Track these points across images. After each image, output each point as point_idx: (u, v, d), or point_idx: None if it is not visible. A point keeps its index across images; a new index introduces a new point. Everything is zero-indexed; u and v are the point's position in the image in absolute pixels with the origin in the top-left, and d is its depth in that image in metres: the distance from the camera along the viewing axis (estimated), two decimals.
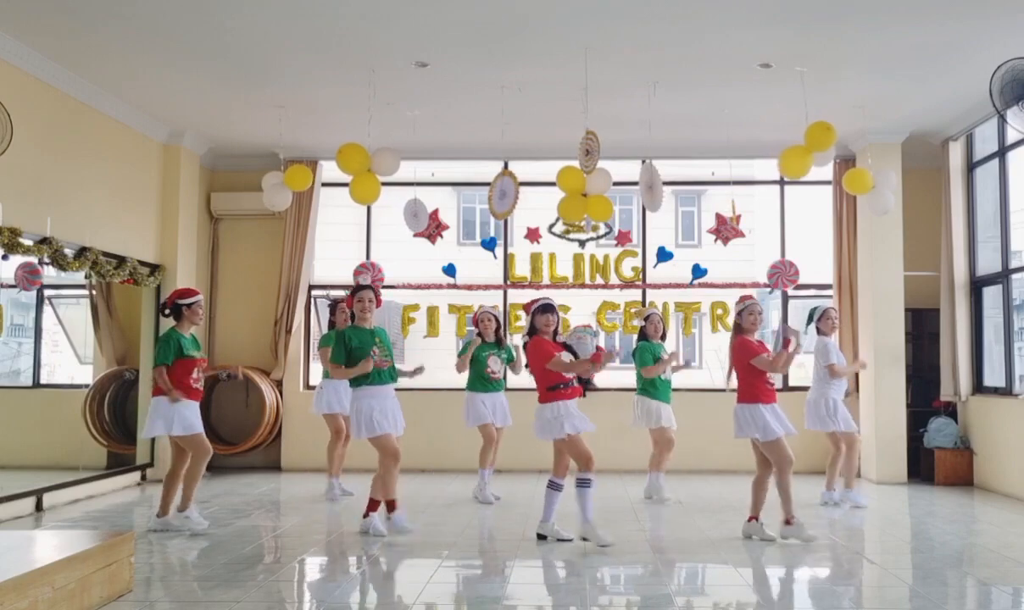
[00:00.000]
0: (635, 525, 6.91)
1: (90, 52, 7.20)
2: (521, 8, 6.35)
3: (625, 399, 8.46)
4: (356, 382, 6.35)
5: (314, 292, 10.54)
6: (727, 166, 9.22)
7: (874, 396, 9.36)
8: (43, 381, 8.57)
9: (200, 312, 6.68)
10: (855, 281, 9.88)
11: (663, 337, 8.06)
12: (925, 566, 5.69)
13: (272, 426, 10.07)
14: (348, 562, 5.87)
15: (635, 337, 8.48)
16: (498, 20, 6.54)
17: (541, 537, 6.20)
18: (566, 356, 6.16)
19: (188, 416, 6.44)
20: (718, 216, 9.14)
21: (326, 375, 8.03)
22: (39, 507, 7.38)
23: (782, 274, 9.50)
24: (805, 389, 10.52)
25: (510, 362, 8.05)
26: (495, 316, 8.12)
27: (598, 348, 6.23)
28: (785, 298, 10.42)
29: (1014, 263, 8.74)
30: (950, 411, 9.40)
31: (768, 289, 9.94)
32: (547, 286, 10.20)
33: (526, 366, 6.40)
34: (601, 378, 8.68)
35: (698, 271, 9.88)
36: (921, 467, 9.40)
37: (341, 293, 8.97)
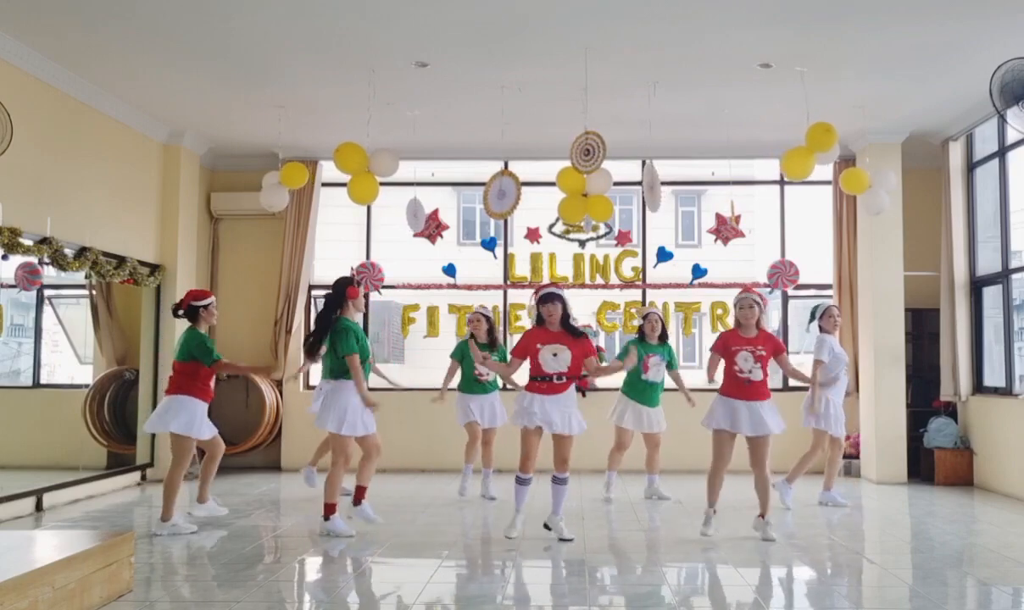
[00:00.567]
0: (635, 525, 6.91)
1: (90, 52, 7.20)
2: (521, 8, 6.35)
3: None
4: (339, 374, 6.31)
5: (314, 292, 10.54)
6: (727, 166, 9.22)
7: (874, 396, 9.36)
8: (43, 381, 8.57)
9: (215, 312, 6.81)
10: (855, 281, 9.88)
11: (662, 338, 7.90)
12: (925, 566, 5.69)
13: (272, 426, 10.07)
14: (348, 562, 5.86)
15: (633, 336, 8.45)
16: (498, 20, 6.54)
17: (547, 527, 6.35)
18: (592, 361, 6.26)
19: (203, 417, 6.68)
20: (718, 216, 9.14)
21: (327, 375, 8.00)
22: (39, 507, 7.38)
23: (782, 274, 9.51)
24: (805, 389, 10.55)
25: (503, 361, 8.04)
26: (486, 316, 8.13)
27: (598, 348, 6.25)
28: (785, 298, 10.42)
29: (1014, 263, 8.74)
30: (950, 411, 9.41)
31: (768, 289, 9.94)
32: (547, 286, 10.18)
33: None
34: (601, 379, 8.71)
35: (698, 271, 9.88)
36: (921, 467, 9.40)
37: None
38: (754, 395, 6.21)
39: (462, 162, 10.52)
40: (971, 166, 9.44)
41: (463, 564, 5.77)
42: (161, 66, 7.51)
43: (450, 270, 10.00)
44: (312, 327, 6.67)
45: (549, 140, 9.01)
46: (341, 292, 6.40)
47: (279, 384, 10.23)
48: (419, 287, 10.22)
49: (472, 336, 8.03)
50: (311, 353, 6.59)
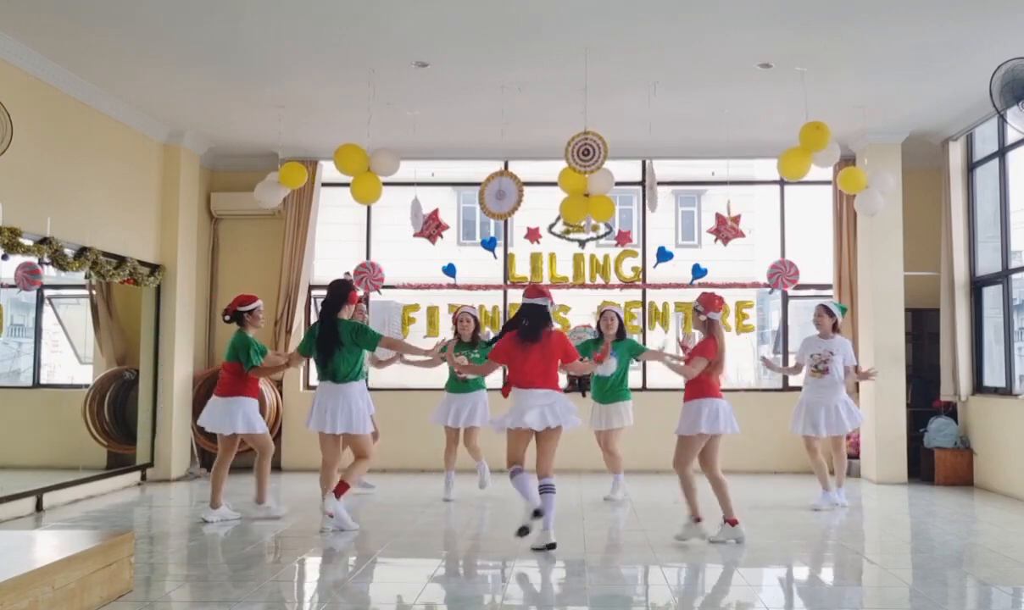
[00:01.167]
0: (635, 525, 6.90)
1: (90, 52, 7.20)
2: (521, 8, 6.35)
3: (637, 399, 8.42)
4: (357, 377, 6.44)
5: (314, 292, 10.54)
6: (727, 166, 9.22)
7: (874, 396, 9.36)
8: (43, 381, 8.57)
9: (260, 316, 7.07)
10: (855, 281, 9.88)
11: (620, 335, 7.76)
12: (925, 566, 5.69)
13: (272, 426, 10.06)
14: (348, 562, 5.86)
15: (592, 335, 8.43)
16: (498, 20, 6.54)
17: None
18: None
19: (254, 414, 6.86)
20: (718, 216, 9.14)
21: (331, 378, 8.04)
22: (39, 507, 7.38)
23: (782, 274, 9.50)
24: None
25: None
26: (474, 316, 8.16)
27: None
28: (785, 298, 10.42)
29: (1014, 263, 8.73)
30: (950, 411, 9.40)
31: (768, 289, 9.94)
32: (547, 286, 10.19)
33: None
34: None
35: (698, 271, 9.87)
36: (921, 467, 9.40)
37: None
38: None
39: (462, 162, 10.52)
40: (971, 166, 9.44)
41: (463, 564, 5.77)
42: (161, 66, 7.51)
43: (450, 270, 10.00)
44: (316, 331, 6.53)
45: (549, 140, 9.00)
46: (343, 295, 6.38)
47: (279, 385, 10.23)
48: (419, 287, 10.22)
49: (457, 334, 8.05)
50: (326, 360, 6.47)
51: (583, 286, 10.19)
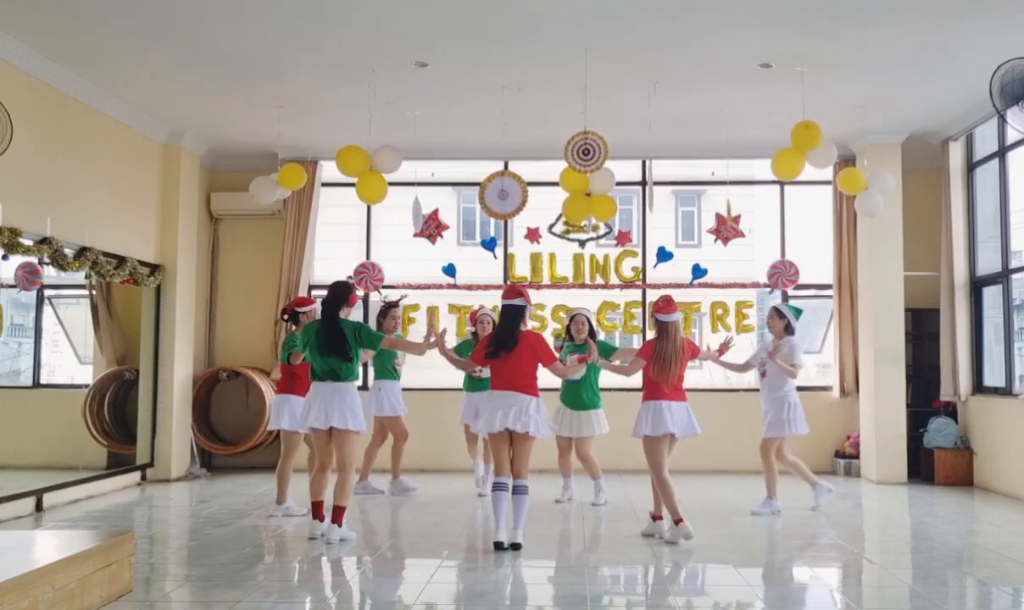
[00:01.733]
0: (635, 525, 6.90)
1: (90, 52, 7.20)
2: (521, 8, 6.35)
3: (630, 400, 8.40)
4: (356, 376, 6.36)
5: (314, 292, 10.53)
6: (727, 166, 9.22)
7: (874, 396, 9.36)
8: (43, 381, 8.56)
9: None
10: (855, 281, 9.88)
11: (592, 335, 7.54)
12: (925, 566, 5.69)
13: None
14: (348, 562, 5.86)
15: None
16: (498, 20, 6.54)
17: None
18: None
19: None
20: (718, 216, 9.14)
21: (379, 375, 8.31)
22: (39, 507, 7.38)
23: (782, 274, 9.50)
24: (804, 390, 10.54)
25: None
26: (495, 319, 8.11)
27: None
28: (785, 298, 10.41)
29: (1014, 263, 8.73)
30: (950, 411, 9.41)
31: (768, 289, 9.94)
32: (547, 286, 10.21)
33: None
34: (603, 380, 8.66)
35: (698, 271, 9.87)
36: (921, 467, 9.40)
37: (396, 295, 9.05)
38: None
39: (462, 162, 10.52)
40: (971, 166, 9.44)
41: (463, 564, 5.77)
42: (161, 66, 7.51)
43: (450, 270, 10.00)
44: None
45: (549, 140, 9.00)
46: (344, 296, 6.33)
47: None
48: (419, 287, 10.21)
49: (474, 334, 8.07)
50: (328, 358, 6.30)
51: (583, 286, 10.19)
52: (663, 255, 9.85)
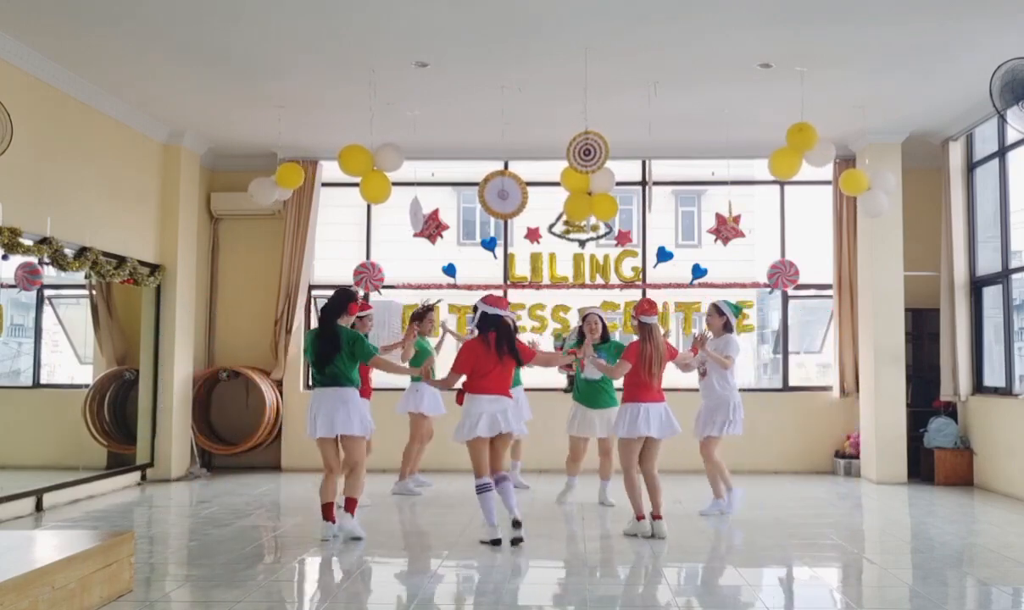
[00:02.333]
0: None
1: (90, 52, 7.19)
2: (521, 8, 6.35)
3: None
4: (356, 382, 6.38)
5: (314, 292, 10.54)
6: (727, 166, 9.22)
7: (874, 396, 9.36)
8: (43, 381, 8.56)
9: (369, 325, 7.62)
10: (855, 281, 9.88)
11: (604, 338, 7.62)
12: (925, 566, 5.69)
13: (272, 426, 10.07)
14: (348, 562, 5.86)
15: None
16: (498, 20, 6.54)
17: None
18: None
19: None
20: (718, 216, 9.14)
21: (417, 377, 8.20)
22: (39, 507, 7.38)
23: (782, 274, 9.49)
24: (804, 390, 10.56)
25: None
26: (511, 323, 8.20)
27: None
28: (785, 298, 10.42)
29: (1014, 263, 8.73)
30: (950, 411, 9.40)
31: (768, 289, 9.94)
32: (547, 286, 10.21)
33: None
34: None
35: (698, 271, 9.87)
36: (921, 467, 9.40)
37: (433, 298, 9.07)
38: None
39: (462, 162, 10.52)
40: (971, 166, 9.44)
41: (463, 564, 5.77)
42: (161, 66, 7.51)
43: (450, 270, 9.99)
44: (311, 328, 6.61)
45: (549, 140, 9.00)
46: (343, 304, 6.34)
47: (279, 384, 10.23)
48: (419, 287, 10.21)
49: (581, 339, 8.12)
50: (325, 365, 6.30)
51: (583, 286, 10.19)
52: (663, 255, 9.84)
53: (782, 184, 10.32)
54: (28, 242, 6.98)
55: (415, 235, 8.96)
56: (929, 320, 9.82)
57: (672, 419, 6.40)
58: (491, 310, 6.19)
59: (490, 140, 9.23)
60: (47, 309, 8.67)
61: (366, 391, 7.16)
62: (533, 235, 9.93)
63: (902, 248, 9.39)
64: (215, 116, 8.94)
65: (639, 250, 10.34)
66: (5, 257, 6.74)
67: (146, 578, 5.20)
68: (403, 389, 8.59)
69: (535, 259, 10.24)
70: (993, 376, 9.06)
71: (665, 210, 14.86)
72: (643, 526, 6.34)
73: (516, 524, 6.00)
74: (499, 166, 9.09)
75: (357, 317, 7.00)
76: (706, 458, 7.23)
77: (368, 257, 10.39)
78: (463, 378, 6.15)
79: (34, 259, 7.06)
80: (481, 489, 6.05)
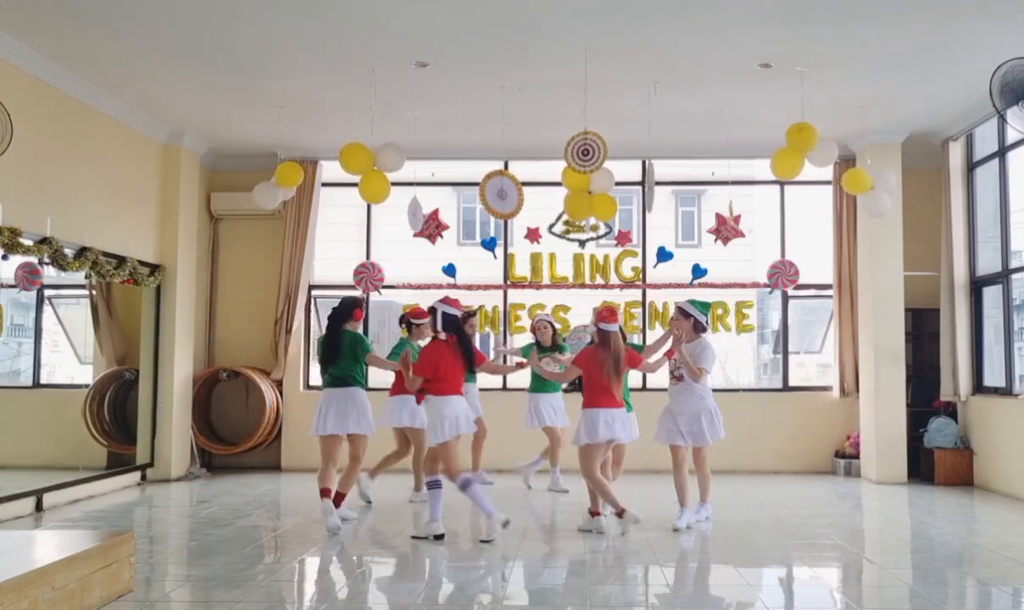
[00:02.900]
0: (634, 525, 6.89)
1: (90, 52, 7.19)
2: (521, 8, 6.35)
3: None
4: (363, 382, 6.82)
5: (314, 292, 10.54)
6: (727, 166, 9.22)
7: (874, 396, 9.36)
8: (43, 381, 8.56)
9: (426, 331, 7.44)
10: (855, 281, 9.88)
11: (554, 345, 8.19)
12: (925, 566, 5.69)
13: (272, 426, 10.07)
14: (348, 562, 5.87)
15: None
16: (498, 20, 6.54)
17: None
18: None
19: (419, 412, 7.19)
20: (718, 216, 9.14)
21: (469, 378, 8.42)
22: (39, 507, 7.38)
23: (782, 274, 9.50)
24: (804, 390, 10.56)
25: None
26: (551, 322, 8.43)
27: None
28: (785, 298, 10.42)
29: (1014, 263, 8.73)
30: (950, 411, 9.40)
31: (768, 289, 9.94)
32: (547, 286, 10.21)
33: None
34: None
35: (698, 271, 9.87)
36: (921, 467, 9.40)
37: (475, 305, 9.30)
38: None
39: (462, 162, 10.52)
40: (971, 166, 9.44)
41: (463, 564, 5.77)
42: (161, 66, 7.51)
43: (450, 270, 10.00)
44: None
45: (549, 140, 9.00)
46: (348, 312, 6.76)
47: (279, 384, 10.23)
48: (419, 287, 10.21)
49: (537, 343, 8.28)
50: (330, 366, 6.79)
51: (583, 286, 10.19)
52: (663, 255, 9.85)
53: (782, 184, 10.32)
54: (28, 242, 6.98)
55: (415, 235, 8.96)
56: (929, 320, 9.82)
57: (630, 425, 6.50)
58: (451, 311, 6.36)
59: (490, 140, 9.24)
60: (47, 309, 8.67)
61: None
62: (533, 235, 9.93)
63: (902, 248, 9.39)
64: (215, 116, 8.94)
65: (639, 250, 10.35)
66: (5, 257, 6.74)
67: (146, 578, 5.20)
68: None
69: (535, 259, 10.25)
70: (993, 376, 9.06)
71: (665, 210, 14.86)
72: (632, 516, 6.41)
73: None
74: (499, 166, 9.10)
75: (414, 324, 7.60)
76: (697, 466, 6.88)
77: (368, 257, 10.38)
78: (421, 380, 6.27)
79: (34, 259, 7.06)
80: (434, 485, 6.32)
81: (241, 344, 10.41)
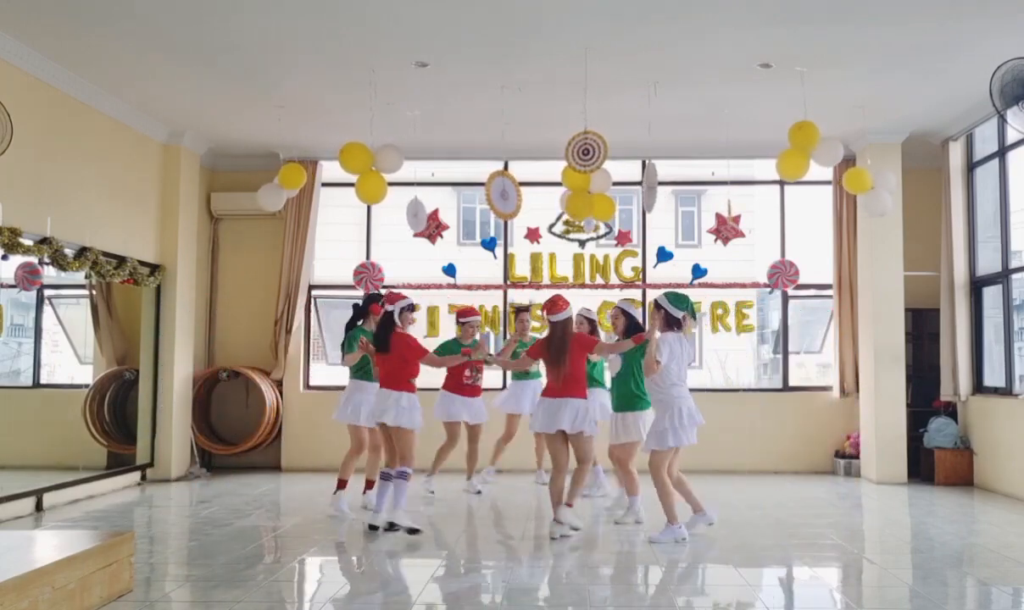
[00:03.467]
0: (634, 525, 6.90)
1: (90, 52, 7.19)
2: (521, 8, 6.35)
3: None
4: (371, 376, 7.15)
5: (314, 292, 10.54)
6: (727, 166, 9.22)
7: (874, 396, 9.36)
8: (43, 381, 8.56)
9: (472, 332, 8.15)
10: (855, 281, 9.88)
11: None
12: (925, 566, 5.69)
13: (272, 426, 10.07)
14: (348, 562, 5.87)
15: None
16: (498, 20, 6.54)
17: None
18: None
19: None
20: (718, 216, 9.14)
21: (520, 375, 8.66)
22: (39, 507, 7.38)
23: (782, 274, 9.49)
24: (804, 390, 10.56)
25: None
26: (590, 318, 8.22)
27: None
28: (785, 298, 10.42)
29: (1014, 263, 8.73)
30: (950, 411, 9.40)
31: (768, 289, 9.94)
32: (547, 286, 10.20)
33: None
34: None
35: (698, 271, 9.87)
36: (921, 467, 9.40)
37: (526, 301, 9.42)
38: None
39: (462, 162, 10.51)
40: (971, 166, 9.44)
41: (463, 564, 5.77)
42: (161, 66, 7.51)
43: (450, 270, 9.99)
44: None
45: (549, 140, 9.00)
46: (365, 309, 7.29)
47: (279, 384, 10.23)
48: (419, 287, 10.21)
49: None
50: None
51: (583, 286, 10.18)
52: (663, 255, 9.84)
53: (782, 184, 10.33)
54: (28, 242, 6.98)
55: (415, 235, 8.95)
56: (929, 320, 9.82)
57: (586, 416, 6.28)
58: (389, 307, 6.70)
59: (490, 140, 9.23)
60: (47, 309, 8.67)
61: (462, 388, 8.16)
62: (533, 235, 9.93)
63: (902, 248, 9.39)
64: (215, 116, 8.94)
65: (639, 250, 10.35)
66: (5, 257, 6.74)
67: (146, 578, 5.20)
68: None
69: (535, 259, 10.25)
70: (993, 376, 9.06)
71: (665, 210, 14.87)
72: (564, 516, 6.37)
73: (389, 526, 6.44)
74: (499, 166, 9.10)
75: (461, 323, 8.14)
76: (653, 475, 6.24)
77: (368, 257, 10.38)
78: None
79: (34, 259, 7.06)
80: (386, 477, 6.58)
81: (241, 344, 10.41)
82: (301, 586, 5.36)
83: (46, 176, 7.46)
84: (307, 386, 10.41)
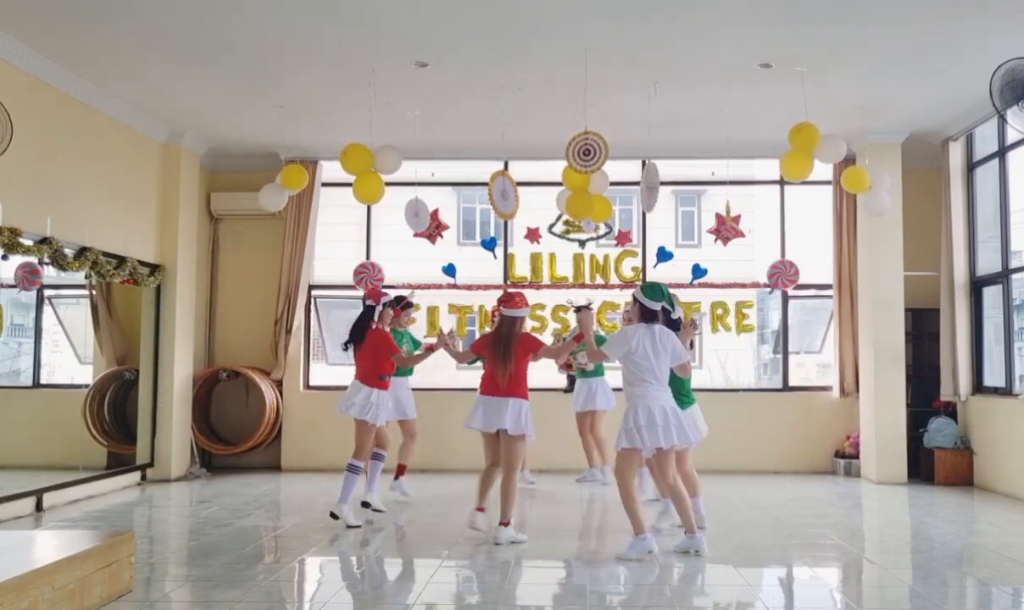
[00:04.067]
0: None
1: (90, 52, 7.19)
2: (521, 8, 6.35)
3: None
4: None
5: (314, 292, 10.54)
6: (727, 166, 9.22)
7: (874, 396, 9.36)
8: (43, 381, 8.56)
9: (405, 320, 8.05)
10: (855, 281, 9.88)
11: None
12: (925, 566, 5.69)
13: (272, 426, 10.07)
14: (348, 562, 5.87)
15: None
16: (498, 20, 6.54)
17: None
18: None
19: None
20: (718, 216, 9.15)
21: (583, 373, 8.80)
22: (39, 507, 7.38)
23: (782, 274, 9.50)
24: (804, 390, 10.56)
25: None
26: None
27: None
28: (785, 298, 10.42)
29: (1014, 263, 8.73)
30: (950, 411, 9.40)
31: (768, 289, 9.94)
32: (547, 286, 10.21)
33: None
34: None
35: (698, 271, 9.88)
36: (921, 467, 9.40)
37: (580, 300, 9.34)
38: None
39: (462, 162, 10.52)
40: (971, 166, 9.44)
41: (463, 564, 5.77)
42: (161, 66, 7.51)
43: (450, 270, 10.00)
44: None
45: (549, 140, 9.00)
46: (379, 310, 7.26)
47: (279, 384, 10.23)
48: (419, 287, 10.21)
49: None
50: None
51: (583, 286, 10.18)
52: (663, 255, 9.85)
53: (782, 184, 10.33)
54: (28, 242, 6.98)
55: (415, 235, 8.96)
56: (929, 320, 9.82)
57: (520, 418, 6.09)
58: (369, 303, 7.00)
59: (490, 140, 9.23)
60: (47, 309, 8.67)
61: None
62: (533, 235, 9.93)
63: (902, 248, 9.39)
64: (215, 116, 8.94)
65: (639, 250, 10.35)
66: (5, 257, 6.74)
67: (146, 578, 5.20)
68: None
69: (535, 259, 10.25)
70: (993, 376, 9.06)
71: (665, 210, 14.87)
72: (477, 517, 6.23)
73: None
74: (499, 166, 9.10)
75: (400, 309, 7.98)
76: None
77: (368, 257, 10.39)
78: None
79: (34, 259, 7.06)
80: (354, 469, 6.76)
81: (241, 344, 10.41)
82: (301, 586, 5.36)
83: (46, 176, 7.46)
84: (307, 386, 10.41)
